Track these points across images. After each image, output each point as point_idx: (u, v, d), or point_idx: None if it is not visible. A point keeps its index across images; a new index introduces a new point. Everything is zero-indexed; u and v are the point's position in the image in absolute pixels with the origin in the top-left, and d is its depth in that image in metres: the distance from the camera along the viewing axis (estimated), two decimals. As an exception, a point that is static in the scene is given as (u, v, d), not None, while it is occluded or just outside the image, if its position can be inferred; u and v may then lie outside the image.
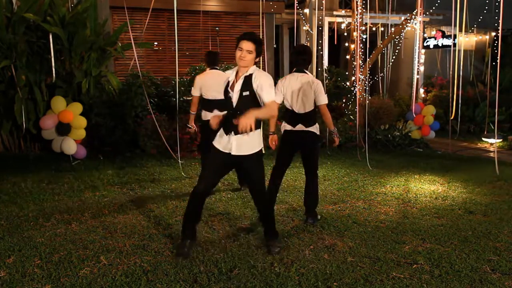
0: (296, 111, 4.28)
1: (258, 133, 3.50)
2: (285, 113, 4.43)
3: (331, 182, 6.05)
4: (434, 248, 3.78)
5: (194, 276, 3.21)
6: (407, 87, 12.23)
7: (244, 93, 3.39)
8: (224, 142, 3.49)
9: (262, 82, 3.36)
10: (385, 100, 9.80)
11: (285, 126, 4.38)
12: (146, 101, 7.38)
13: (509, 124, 11.26)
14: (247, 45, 3.34)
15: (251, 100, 3.39)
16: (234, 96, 3.43)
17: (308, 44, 10.95)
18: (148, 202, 4.98)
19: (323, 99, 4.30)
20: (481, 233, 4.12)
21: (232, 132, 3.42)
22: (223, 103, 3.76)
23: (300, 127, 4.30)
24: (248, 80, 3.39)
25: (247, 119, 3.14)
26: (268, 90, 3.37)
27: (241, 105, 3.39)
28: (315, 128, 4.33)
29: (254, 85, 3.37)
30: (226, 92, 3.53)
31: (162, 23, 9.99)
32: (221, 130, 3.56)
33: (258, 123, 3.42)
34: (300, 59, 4.32)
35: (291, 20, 11.09)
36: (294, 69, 4.37)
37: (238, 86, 3.41)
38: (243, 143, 3.43)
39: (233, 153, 3.44)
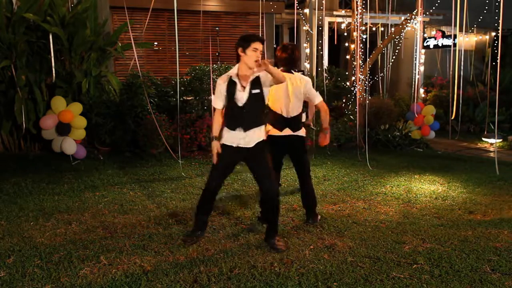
0: (285, 115, 4.19)
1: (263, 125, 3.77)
2: (269, 116, 4.24)
3: (331, 182, 6.05)
4: (434, 248, 3.78)
5: (194, 276, 3.21)
6: (407, 87, 12.22)
7: (254, 91, 3.59)
8: (235, 138, 3.65)
9: (267, 74, 3.58)
10: (385, 100, 9.79)
11: (270, 131, 4.23)
12: (146, 101, 7.38)
13: (509, 124, 11.26)
14: (261, 47, 3.55)
15: (259, 98, 3.63)
16: (244, 95, 3.58)
17: (308, 44, 10.96)
18: (148, 202, 4.98)
19: (318, 97, 4.25)
20: (481, 233, 4.12)
21: (241, 128, 3.63)
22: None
23: (287, 131, 4.21)
24: (257, 80, 3.61)
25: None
26: (269, 76, 3.60)
27: (249, 103, 3.58)
28: (302, 132, 4.26)
29: (262, 82, 3.62)
30: (233, 92, 3.60)
31: (162, 23, 9.99)
32: (226, 128, 3.68)
33: (262, 118, 3.78)
34: (288, 58, 4.21)
35: (291, 20, 11.09)
36: (281, 69, 4.21)
37: (248, 86, 3.59)
38: (253, 136, 3.66)
39: (244, 146, 3.65)
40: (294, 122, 4.22)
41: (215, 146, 3.73)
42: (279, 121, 4.21)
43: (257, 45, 3.51)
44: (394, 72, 12.27)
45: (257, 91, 3.59)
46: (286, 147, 4.31)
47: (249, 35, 3.64)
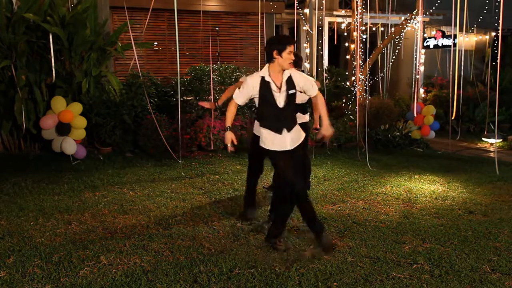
0: None
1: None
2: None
3: (331, 182, 6.05)
4: (434, 248, 3.78)
5: (194, 276, 3.21)
6: (407, 87, 12.21)
7: (290, 92, 3.66)
8: (281, 141, 3.68)
9: (305, 80, 3.76)
10: (385, 100, 9.78)
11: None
12: (146, 101, 7.38)
13: (509, 124, 11.25)
14: (294, 49, 3.62)
15: (294, 98, 3.72)
16: (281, 96, 3.62)
17: (308, 44, 10.96)
18: (148, 202, 4.98)
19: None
20: (481, 233, 4.12)
21: (285, 129, 3.67)
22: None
23: None
24: (290, 80, 3.67)
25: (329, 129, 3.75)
26: (314, 87, 3.84)
27: (287, 103, 3.66)
28: None
29: (297, 84, 3.70)
30: (268, 93, 3.63)
31: (162, 23, 9.99)
32: (269, 132, 3.68)
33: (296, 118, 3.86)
34: None
35: (291, 20, 11.09)
36: None
37: (284, 87, 3.65)
38: (295, 136, 3.73)
39: (290, 148, 3.69)
40: None
41: (230, 137, 3.74)
42: None
43: (292, 48, 3.58)
44: (394, 72, 12.26)
45: (293, 91, 3.67)
46: None
47: (283, 37, 3.69)
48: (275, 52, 3.57)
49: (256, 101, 3.83)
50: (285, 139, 3.68)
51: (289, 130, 3.69)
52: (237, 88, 3.85)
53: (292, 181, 3.64)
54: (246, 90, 3.71)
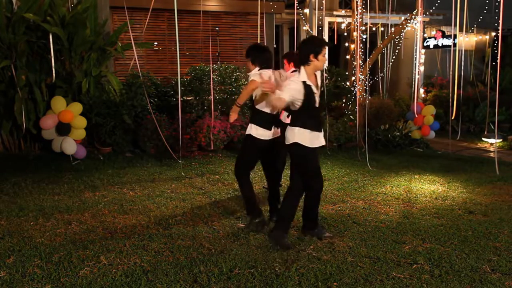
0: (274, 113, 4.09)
1: None
2: (258, 115, 4.14)
3: (331, 182, 6.05)
4: (434, 248, 3.78)
5: (194, 276, 3.21)
6: (407, 87, 12.21)
7: (320, 91, 3.89)
8: (318, 139, 3.79)
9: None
10: (385, 100, 9.79)
11: (259, 132, 4.10)
12: (146, 101, 7.38)
13: (509, 124, 11.25)
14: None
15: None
16: (318, 96, 3.78)
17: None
18: (148, 202, 4.98)
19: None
20: (481, 233, 4.12)
21: (321, 127, 3.86)
22: None
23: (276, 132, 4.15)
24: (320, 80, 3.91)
25: None
26: None
27: (320, 102, 3.85)
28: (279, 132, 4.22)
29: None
30: (312, 95, 3.70)
31: (162, 23, 9.99)
32: (310, 132, 3.72)
33: None
34: (269, 57, 4.20)
35: (291, 20, 11.09)
36: (260, 67, 4.12)
37: (319, 88, 3.81)
38: (322, 133, 3.89)
39: (322, 144, 3.84)
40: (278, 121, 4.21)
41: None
42: (269, 120, 4.11)
43: (326, 50, 3.66)
44: (394, 72, 12.26)
45: (321, 89, 3.92)
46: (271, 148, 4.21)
47: (318, 40, 3.73)
48: (311, 56, 3.62)
49: (297, 104, 3.69)
50: (320, 137, 3.81)
51: (322, 128, 3.91)
52: (278, 91, 3.70)
53: (320, 173, 3.91)
54: (294, 91, 3.60)
